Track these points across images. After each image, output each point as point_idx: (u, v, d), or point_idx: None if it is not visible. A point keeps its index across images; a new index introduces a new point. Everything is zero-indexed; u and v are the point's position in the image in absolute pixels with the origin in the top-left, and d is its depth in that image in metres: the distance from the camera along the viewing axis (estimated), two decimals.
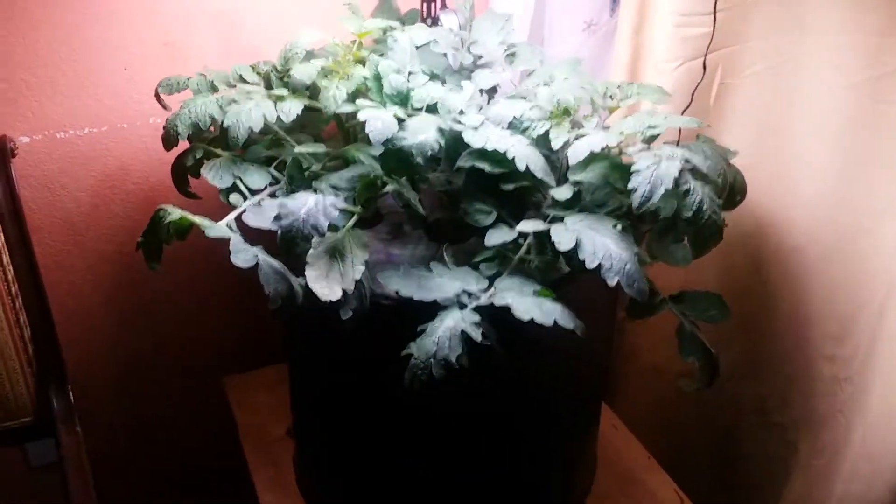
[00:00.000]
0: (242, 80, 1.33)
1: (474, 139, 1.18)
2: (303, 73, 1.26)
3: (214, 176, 1.20)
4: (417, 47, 1.34)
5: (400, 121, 1.18)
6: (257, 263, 1.07)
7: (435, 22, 1.54)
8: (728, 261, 1.63)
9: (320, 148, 1.25)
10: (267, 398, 1.76)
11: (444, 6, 1.55)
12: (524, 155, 1.17)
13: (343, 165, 1.27)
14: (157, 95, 1.34)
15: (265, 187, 1.23)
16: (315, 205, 1.09)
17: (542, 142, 1.23)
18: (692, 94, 1.35)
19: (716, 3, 1.31)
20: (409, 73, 1.27)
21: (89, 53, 1.50)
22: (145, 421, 1.88)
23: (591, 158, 1.16)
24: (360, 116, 1.15)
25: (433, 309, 1.12)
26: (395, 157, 1.16)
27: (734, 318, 1.47)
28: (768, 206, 1.57)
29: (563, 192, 1.18)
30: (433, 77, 1.34)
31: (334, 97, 1.22)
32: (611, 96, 1.33)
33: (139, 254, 1.13)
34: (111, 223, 1.68)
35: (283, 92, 1.26)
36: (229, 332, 1.87)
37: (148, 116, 1.60)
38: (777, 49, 1.47)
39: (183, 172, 1.30)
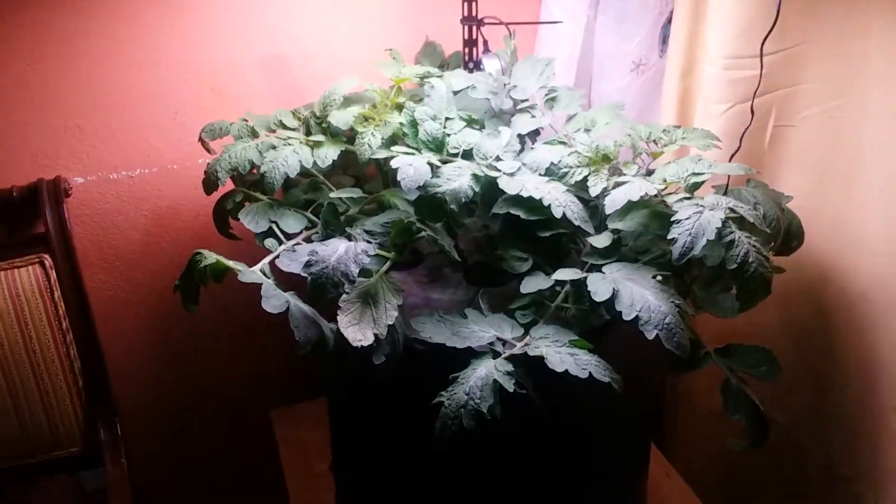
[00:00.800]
0: (283, 125, 1.34)
1: (509, 186, 1.15)
2: (340, 119, 1.26)
3: (251, 221, 1.20)
4: (455, 93, 1.32)
5: (434, 167, 1.16)
6: (288, 308, 1.06)
7: (477, 66, 1.52)
8: (788, 308, 1.55)
9: (356, 193, 1.25)
10: (312, 433, 1.74)
11: (486, 50, 1.54)
12: (561, 202, 1.14)
13: (380, 209, 1.26)
14: (202, 140, 1.36)
15: (301, 231, 1.23)
16: (346, 252, 1.08)
17: (581, 188, 1.20)
18: (740, 139, 1.29)
19: (763, 45, 1.25)
20: (446, 119, 1.25)
21: (142, 99, 1.55)
22: (188, 452, 1.90)
23: (631, 206, 1.11)
24: (393, 164, 1.14)
25: (467, 356, 1.09)
26: (429, 204, 1.14)
27: (797, 367, 1.38)
28: (830, 252, 1.49)
29: (601, 240, 1.13)
30: (471, 122, 1.32)
31: (369, 143, 1.21)
32: (654, 141, 1.28)
33: None
34: (161, 261, 1.71)
35: (321, 138, 1.26)
36: (274, 365, 1.87)
37: (197, 158, 1.63)
38: (835, 92, 1.40)
39: (224, 215, 1.31)
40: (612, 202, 1.07)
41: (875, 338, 1.44)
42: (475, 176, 1.17)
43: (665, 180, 1.14)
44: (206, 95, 1.58)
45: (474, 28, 1.48)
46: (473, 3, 1.46)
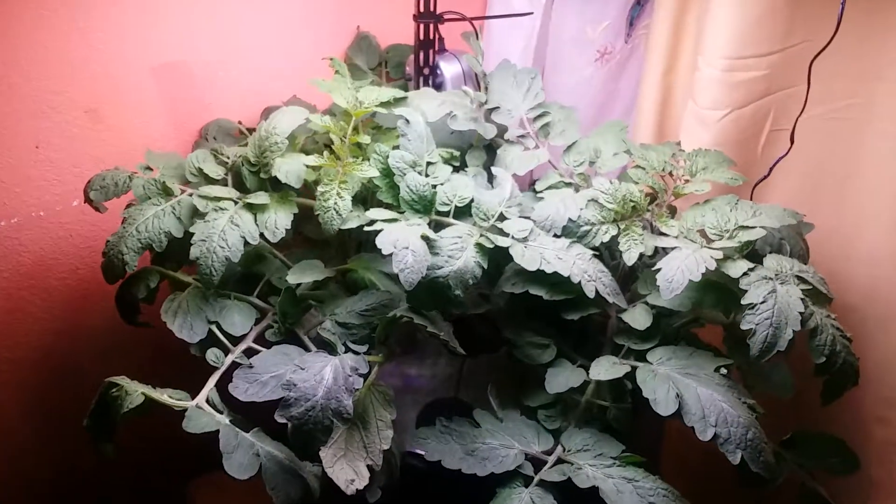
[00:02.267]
0: (203, 175, 0.99)
1: (527, 259, 0.89)
2: (290, 172, 0.94)
3: (181, 325, 0.88)
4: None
5: (428, 240, 0.88)
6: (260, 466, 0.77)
7: (434, 72, 1.22)
8: None
9: (318, 271, 0.94)
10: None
11: (442, 49, 1.24)
12: (591, 275, 0.90)
13: (350, 286, 0.97)
14: (88, 199, 1.00)
15: (250, 329, 0.92)
16: (334, 379, 0.79)
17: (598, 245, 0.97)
18: (770, 169, 1.09)
19: (811, 64, 1.05)
20: (428, 165, 0.97)
21: None
22: None
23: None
24: (380, 243, 0.85)
25: (488, 480, 0.85)
26: (428, 291, 0.87)
27: None
28: (822, 261, 1.35)
29: (639, 319, 0.91)
30: (451, 160, 1.04)
31: (336, 209, 0.91)
32: (669, 172, 1.07)
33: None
34: (32, 328, 1.32)
35: (264, 198, 0.94)
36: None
37: (70, 200, 1.23)
38: (843, 92, 1.23)
39: (132, 304, 0.97)
40: (669, 285, 0.84)
41: (864, 349, 1.34)
42: (480, 247, 0.90)
43: (721, 249, 0.92)
44: (79, 120, 1.19)
45: (430, 26, 1.18)
46: None
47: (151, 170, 1.02)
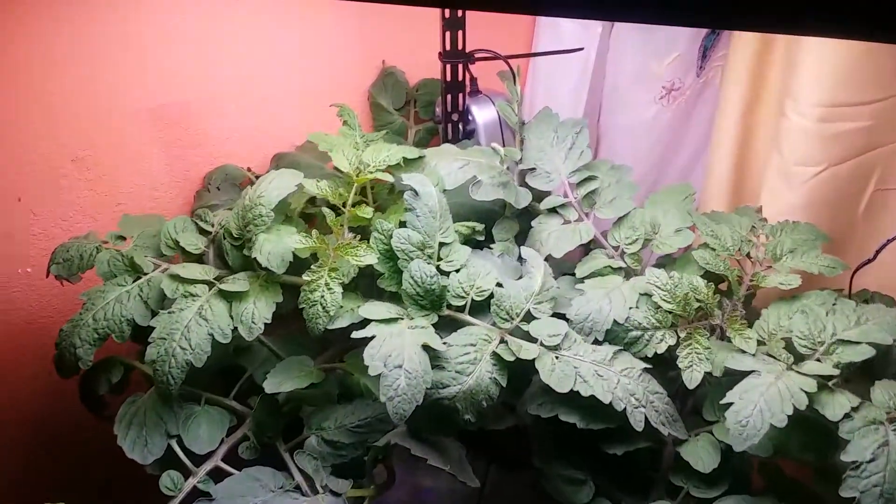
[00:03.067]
0: (180, 249, 0.84)
1: (556, 378, 0.70)
2: (272, 254, 0.77)
3: (135, 441, 0.72)
4: (446, 190, 0.84)
5: (431, 351, 0.70)
6: None
7: (464, 118, 1.04)
8: None
9: (303, 371, 0.77)
10: None
11: (474, 91, 1.06)
12: (639, 399, 0.70)
13: (342, 391, 0.79)
14: (52, 273, 0.86)
15: (220, 442, 0.76)
16: None
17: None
18: (877, 252, 0.86)
19: None
20: (441, 246, 0.78)
21: None
22: None
23: None
24: (368, 360, 0.67)
25: None
26: (432, 416, 0.68)
27: None
28: None
29: (703, 458, 0.71)
30: (474, 235, 0.85)
31: (323, 305, 0.73)
32: (747, 253, 0.85)
33: None
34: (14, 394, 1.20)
35: (242, 284, 0.77)
36: None
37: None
38: None
39: (95, 398, 0.82)
40: (743, 431, 0.63)
41: None
42: (498, 358, 0.71)
43: (793, 342, 0.71)
44: (66, 169, 1.05)
45: (459, 66, 1.00)
46: (460, 33, 0.96)
47: (125, 239, 0.87)
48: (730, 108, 1.14)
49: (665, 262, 0.87)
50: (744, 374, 0.69)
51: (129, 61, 1.01)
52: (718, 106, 1.17)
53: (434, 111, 1.15)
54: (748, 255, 0.86)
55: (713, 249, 0.84)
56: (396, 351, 0.67)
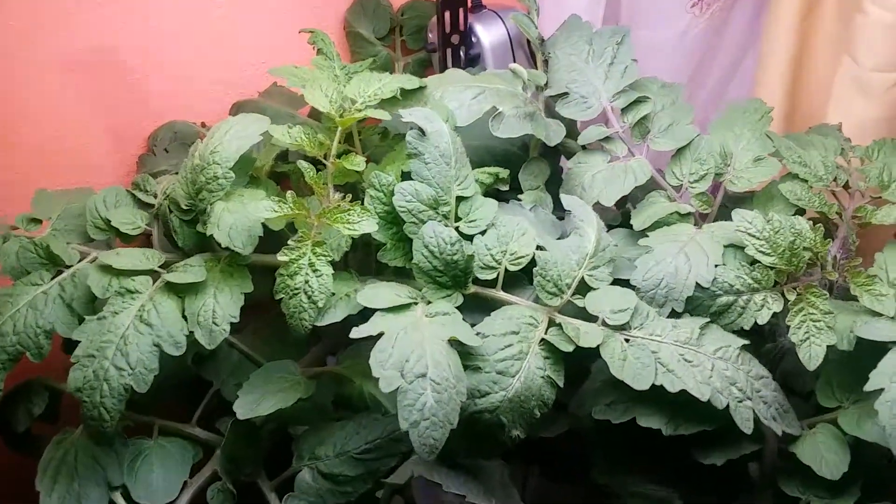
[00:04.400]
0: (113, 229, 0.64)
1: (630, 369, 0.51)
2: (233, 230, 0.57)
3: (63, 498, 0.53)
4: (459, 128, 0.64)
5: (462, 347, 0.51)
6: None
7: (466, 40, 0.84)
8: None
9: (286, 383, 0.58)
10: None
11: (476, 5, 0.85)
12: (743, 389, 0.52)
13: (342, 403, 0.61)
14: None
15: (181, 489, 0.57)
16: None
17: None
18: None
19: None
20: (459, 201, 0.59)
21: None
22: None
23: None
24: (376, 368, 0.48)
25: None
26: (466, 434, 0.50)
27: None
28: None
29: (826, 459, 0.53)
30: (498, 183, 0.66)
31: (309, 293, 0.54)
32: (845, 184, 0.66)
33: None
34: None
35: (196, 272, 0.58)
36: None
37: None
38: None
39: (15, 434, 0.63)
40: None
41: None
42: (549, 348, 0.53)
43: None
44: None
45: None
46: None
47: (40, 222, 0.66)
48: (784, 9, 0.94)
49: (735, 203, 0.68)
50: (880, 345, 0.51)
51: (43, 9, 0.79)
52: (768, 9, 0.96)
53: (426, 38, 0.94)
54: (846, 186, 0.67)
55: (804, 181, 0.65)
56: (416, 352, 0.48)
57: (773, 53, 0.96)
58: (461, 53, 0.85)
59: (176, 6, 0.86)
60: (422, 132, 0.58)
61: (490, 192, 0.67)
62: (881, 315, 0.53)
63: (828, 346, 0.53)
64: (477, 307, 0.58)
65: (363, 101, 0.63)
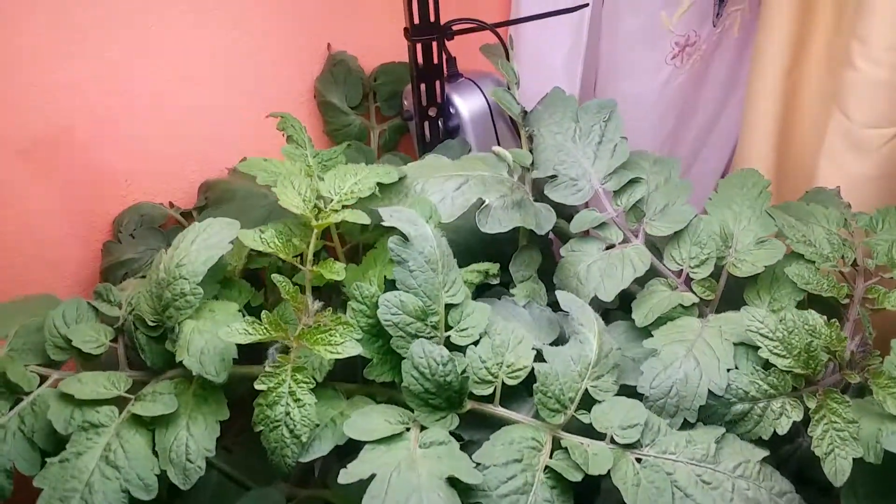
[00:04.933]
0: (74, 349, 0.59)
1: (647, 499, 0.47)
2: (204, 356, 0.53)
3: None
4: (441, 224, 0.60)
5: (459, 485, 0.47)
6: None
7: (444, 112, 0.80)
8: None
9: None
10: None
11: (453, 75, 0.81)
12: None
13: None
14: None
15: None
16: None
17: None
18: None
19: None
20: (448, 309, 0.55)
21: None
22: None
23: None
24: None
25: None
26: None
27: None
28: None
29: None
30: (489, 278, 0.62)
31: (290, 426, 0.49)
32: (853, 262, 0.63)
33: None
34: None
35: (166, 400, 0.53)
36: None
37: None
38: None
39: None
40: None
41: None
42: (556, 476, 0.48)
43: None
44: None
45: (433, 44, 0.75)
46: (430, 1, 0.71)
47: None
48: (768, 61, 0.91)
49: (738, 285, 0.65)
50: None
51: None
52: (752, 61, 0.94)
53: (401, 104, 0.90)
54: (854, 264, 0.64)
55: (811, 262, 0.62)
56: (412, 500, 0.43)
57: (756, 110, 0.94)
58: (439, 128, 0.81)
59: (140, 80, 0.82)
60: (404, 237, 0.54)
61: (481, 287, 0.63)
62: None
63: (846, 460, 0.49)
64: (471, 423, 0.54)
65: (339, 199, 0.59)
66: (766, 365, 0.53)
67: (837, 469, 0.49)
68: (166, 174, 0.88)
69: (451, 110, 0.80)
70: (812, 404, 0.52)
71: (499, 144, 0.80)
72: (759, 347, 0.53)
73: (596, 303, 0.61)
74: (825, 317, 0.55)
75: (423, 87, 0.77)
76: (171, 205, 0.88)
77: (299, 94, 0.93)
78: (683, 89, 1.06)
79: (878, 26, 0.76)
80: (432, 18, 0.72)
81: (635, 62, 1.03)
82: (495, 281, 0.63)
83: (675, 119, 1.09)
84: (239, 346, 0.52)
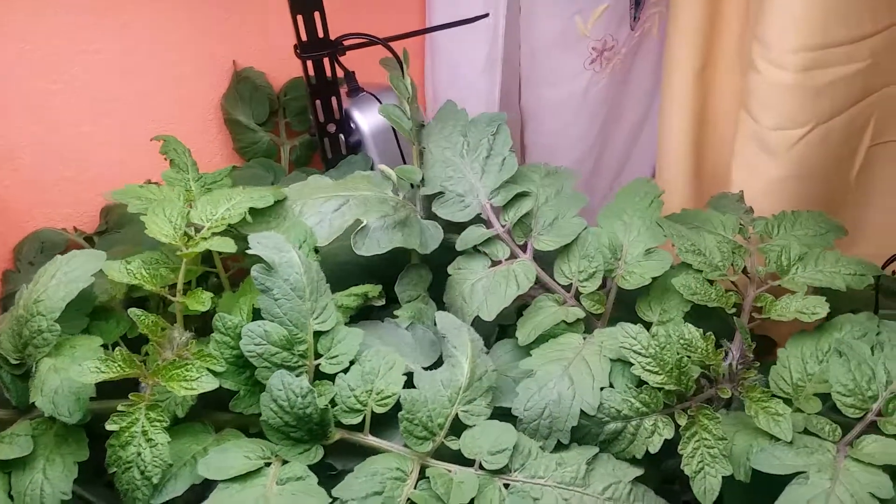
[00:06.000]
0: None
1: None
2: (58, 396, 0.51)
3: None
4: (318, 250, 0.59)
5: None
6: None
7: (344, 128, 0.78)
8: None
9: None
10: None
11: (355, 89, 0.80)
12: None
13: None
14: None
15: None
16: None
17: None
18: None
19: None
20: (318, 336, 0.53)
21: None
22: None
23: None
24: None
25: None
26: None
27: None
28: None
29: None
30: (374, 300, 0.60)
31: (141, 468, 0.48)
32: (742, 269, 0.62)
33: None
34: None
35: (22, 442, 0.51)
36: None
37: None
38: None
39: None
40: None
41: None
42: None
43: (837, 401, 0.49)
44: None
45: (325, 60, 0.73)
46: (317, 16, 0.70)
47: None
48: (677, 65, 0.91)
49: (633, 297, 0.64)
50: (780, 477, 0.46)
51: None
52: (664, 64, 0.94)
53: (310, 120, 0.89)
54: (745, 272, 0.63)
55: (698, 272, 0.61)
56: None
57: (671, 114, 0.93)
58: (341, 140, 0.80)
59: (41, 104, 0.80)
60: (268, 268, 0.53)
61: (366, 309, 0.62)
62: (778, 440, 0.49)
63: (713, 482, 0.48)
64: (347, 452, 0.52)
65: (210, 226, 0.57)
66: (640, 383, 0.52)
67: (707, 488, 0.48)
68: (70, 199, 0.86)
69: (352, 125, 0.79)
70: (683, 421, 0.51)
71: (403, 159, 0.79)
72: (633, 365, 0.52)
73: (497, 321, 0.60)
74: (701, 330, 0.54)
75: (318, 103, 0.75)
76: (76, 229, 0.86)
77: (207, 112, 0.91)
78: (606, 94, 1.06)
79: (778, 29, 0.76)
80: (321, 34, 0.71)
81: (555, 68, 1.03)
82: (380, 302, 0.62)
83: (601, 124, 1.09)
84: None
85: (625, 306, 0.64)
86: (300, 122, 0.91)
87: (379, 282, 0.63)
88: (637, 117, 1.11)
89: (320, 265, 0.61)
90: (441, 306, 0.63)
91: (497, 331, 0.64)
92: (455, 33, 0.97)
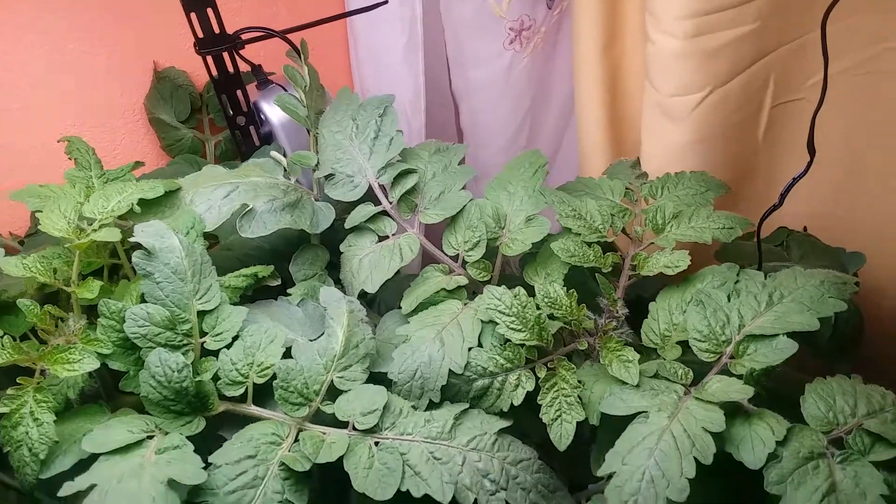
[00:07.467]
0: None
1: (374, 479, 0.49)
2: None
3: None
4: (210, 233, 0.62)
5: (191, 486, 0.48)
6: None
7: (254, 119, 0.82)
8: None
9: None
10: None
11: (263, 82, 0.83)
12: (498, 482, 0.50)
13: None
14: None
15: None
16: None
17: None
18: (783, 194, 0.66)
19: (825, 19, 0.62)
20: (202, 315, 0.57)
21: None
22: None
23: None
24: None
25: None
26: None
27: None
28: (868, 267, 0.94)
29: None
30: (267, 279, 0.63)
31: (30, 447, 0.51)
32: (622, 229, 0.65)
33: None
34: None
35: None
36: None
37: None
38: (876, 33, 0.81)
39: None
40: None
41: None
42: (289, 471, 0.50)
43: (694, 346, 0.52)
44: None
45: (225, 56, 0.76)
46: (210, 12, 0.73)
47: None
48: (584, 42, 0.93)
49: (527, 263, 0.67)
50: (630, 423, 0.49)
51: None
52: (572, 40, 0.96)
53: None
54: (624, 231, 0.66)
55: (577, 234, 0.64)
56: None
57: (585, 90, 0.96)
58: (252, 132, 0.83)
59: None
60: (147, 253, 0.56)
61: (261, 290, 0.65)
62: (625, 384, 0.52)
63: (571, 431, 0.51)
64: (234, 423, 0.56)
65: (101, 219, 0.61)
66: (506, 341, 0.55)
67: (562, 433, 0.51)
68: (2, 205, 0.89)
69: (262, 117, 0.82)
70: (542, 373, 0.54)
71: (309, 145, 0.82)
72: (498, 325, 0.55)
73: (394, 295, 0.63)
74: (566, 288, 0.57)
75: (224, 97, 0.78)
76: (11, 234, 0.90)
77: (132, 112, 0.94)
78: (531, 73, 1.08)
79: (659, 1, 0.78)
80: (217, 30, 0.74)
81: (477, 50, 1.05)
82: (274, 282, 0.65)
83: (529, 103, 1.12)
84: None
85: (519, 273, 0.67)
86: (223, 118, 0.94)
87: (287, 263, 0.66)
88: (567, 94, 1.13)
89: (232, 251, 0.65)
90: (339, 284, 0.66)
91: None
92: (372, 22, 1.00)
